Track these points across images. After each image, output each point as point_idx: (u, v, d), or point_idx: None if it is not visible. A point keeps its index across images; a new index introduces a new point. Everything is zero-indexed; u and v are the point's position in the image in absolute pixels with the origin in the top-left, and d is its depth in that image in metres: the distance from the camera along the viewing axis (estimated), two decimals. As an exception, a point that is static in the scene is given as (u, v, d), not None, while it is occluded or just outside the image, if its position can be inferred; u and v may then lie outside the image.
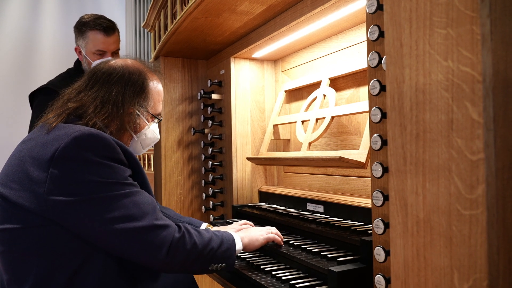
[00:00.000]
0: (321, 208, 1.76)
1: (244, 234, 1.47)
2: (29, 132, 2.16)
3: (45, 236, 1.12)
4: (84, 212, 1.11)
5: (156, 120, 1.50)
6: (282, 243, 1.57)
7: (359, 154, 1.45)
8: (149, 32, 5.07)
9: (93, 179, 1.12)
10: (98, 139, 1.15)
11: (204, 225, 1.76)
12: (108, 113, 1.31)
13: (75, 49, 2.32)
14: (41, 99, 2.20)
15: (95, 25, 2.24)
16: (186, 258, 1.22)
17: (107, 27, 2.27)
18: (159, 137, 1.56)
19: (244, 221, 1.77)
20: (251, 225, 1.75)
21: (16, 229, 1.12)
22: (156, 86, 1.46)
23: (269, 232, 1.54)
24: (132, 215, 1.14)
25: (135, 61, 1.45)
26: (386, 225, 1.07)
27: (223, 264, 1.33)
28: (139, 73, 1.41)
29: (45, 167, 1.11)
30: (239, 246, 1.40)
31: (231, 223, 2.03)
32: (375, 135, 1.10)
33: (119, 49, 2.35)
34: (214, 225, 1.86)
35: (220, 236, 1.35)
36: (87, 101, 1.31)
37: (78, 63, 2.37)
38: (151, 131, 1.48)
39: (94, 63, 2.22)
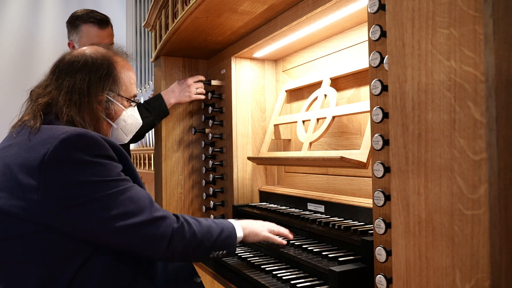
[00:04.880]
0: (321, 208, 1.76)
1: (246, 224, 1.47)
2: None
3: (41, 242, 1.10)
4: (83, 214, 1.10)
5: (133, 104, 1.46)
6: (283, 242, 1.55)
7: (360, 154, 1.45)
8: (149, 32, 5.07)
9: (87, 179, 1.10)
10: (86, 138, 1.13)
11: None
12: (77, 104, 1.27)
13: (68, 44, 2.31)
14: None
15: (88, 18, 2.23)
16: (187, 248, 1.23)
17: (101, 19, 2.26)
18: (141, 121, 1.52)
19: None
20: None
21: (10, 239, 1.11)
22: (123, 67, 1.41)
23: (270, 230, 1.53)
24: (130, 211, 1.14)
25: (101, 48, 1.40)
26: (387, 225, 1.07)
27: (224, 252, 1.34)
28: (103, 56, 1.36)
29: (36, 173, 1.08)
30: (239, 233, 1.40)
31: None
32: (376, 135, 1.10)
33: (113, 43, 2.34)
34: None
35: (220, 224, 1.35)
36: (54, 94, 1.27)
37: None
38: (130, 116, 1.45)
39: None
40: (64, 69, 1.32)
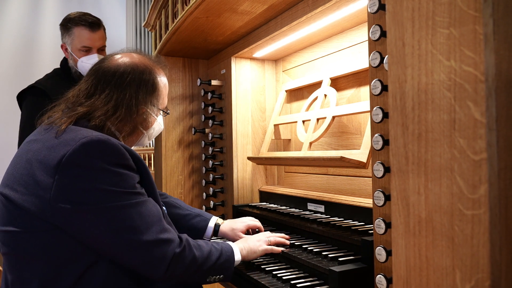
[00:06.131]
0: (322, 208, 1.76)
1: (243, 245, 1.47)
2: (20, 133, 2.15)
3: (49, 241, 1.11)
4: (90, 221, 1.09)
5: (164, 114, 1.49)
6: (281, 250, 1.53)
7: (360, 154, 1.45)
8: (149, 32, 5.07)
9: (101, 187, 1.09)
10: (106, 146, 1.13)
11: (213, 220, 1.72)
12: (121, 117, 1.29)
13: (61, 46, 2.32)
14: (29, 99, 2.20)
15: (80, 21, 2.24)
16: (185, 272, 1.23)
17: (92, 22, 2.27)
18: (163, 127, 1.55)
19: (251, 218, 1.77)
20: (258, 225, 1.74)
21: (20, 233, 1.11)
22: (164, 81, 1.45)
23: (267, 242, 1.53)
24: (136, 227, 1.13)
25: (141, 57, 1.41)
26: (387, 225, 1.07)
27: (221, 276, 1.33)
28: (149, 71, 1.38)
29: (52, 173, 1.08)
30: (237, 257, 1.40)
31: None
32: (376, 135, 1.10)
33: (105, 46, 2.35)
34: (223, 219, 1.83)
35: (219, 249, 1.35)
36: (98, 105, 1.28)
37: (64, 62, 2.37)
38: (158, 123, 1.48)
39: (80, 60, 2.23)
40: (112, 81, 1.32)
